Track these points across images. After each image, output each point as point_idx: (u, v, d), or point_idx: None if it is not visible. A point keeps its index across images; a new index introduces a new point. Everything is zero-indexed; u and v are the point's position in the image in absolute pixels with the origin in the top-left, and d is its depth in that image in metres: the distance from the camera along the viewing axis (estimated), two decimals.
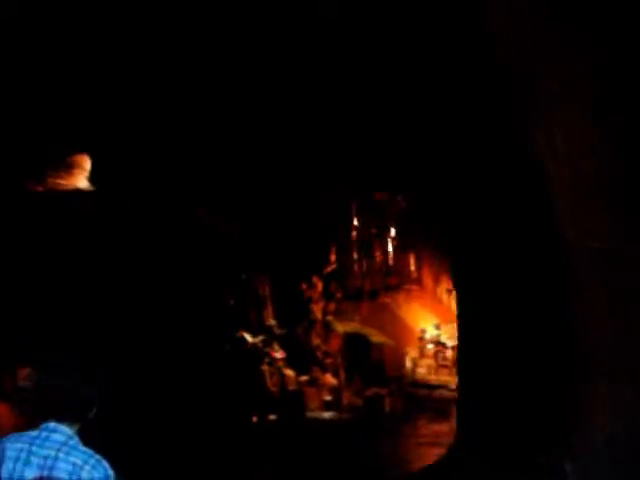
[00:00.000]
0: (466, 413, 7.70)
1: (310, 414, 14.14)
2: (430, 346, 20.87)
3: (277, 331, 16.89)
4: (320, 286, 20.15)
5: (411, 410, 16.22)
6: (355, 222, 19.74)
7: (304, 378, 15.94)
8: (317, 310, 20.19)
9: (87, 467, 2.21)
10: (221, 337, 13.76)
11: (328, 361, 19.23)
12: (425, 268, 22.05)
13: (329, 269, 20.21)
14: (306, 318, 19.76)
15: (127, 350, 10.80)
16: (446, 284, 22.46)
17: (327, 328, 20.25)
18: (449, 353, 20.45)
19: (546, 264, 5.77)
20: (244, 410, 12.32)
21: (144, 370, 11.24)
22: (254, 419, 12.51)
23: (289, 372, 15.63)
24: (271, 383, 14.58)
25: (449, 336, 21.35)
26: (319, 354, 19.39)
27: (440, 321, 22.06)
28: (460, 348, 8.60)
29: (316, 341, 19.72)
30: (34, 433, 2.27)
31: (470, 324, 7.55)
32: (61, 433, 2.28)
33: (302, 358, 17.36)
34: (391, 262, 20.33)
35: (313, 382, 16.20)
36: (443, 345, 20.73)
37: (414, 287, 21.64)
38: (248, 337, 15.19)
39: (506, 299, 6.40)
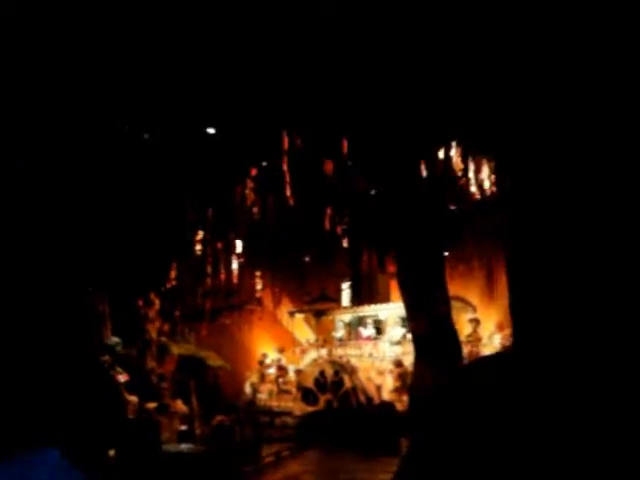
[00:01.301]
0: None
1: (165, 447, 12.34)
2: (271, 370, 19.92)
3: (120, 351, 15.03)
4: (157, 304, 18.54)
5: (260, 439, 15.03)
6: (199, 235, 18.29)
7: (152, 405, 14.19)
8: (152, 330, 18.55)
9: None
10: (59, 357, 11.73)
11: (164, 386, 17.64)
12: (266, 289, 21.10)
13: (168, 286, 18.61)
14: (141, 338, 18.04)
15: None
16: (287, 306, 21.75)
17: (162, 350, 18.62)
18: (291, 378, 19.66)
19: None
20: (100, 443, 10.42)
21: None
22: (111, 453, 10.63)
23: (132, 398, 13.82)
24: (126, 411, 12.73)
25: (290, 359, 20.63)
26: (153, 378, 17.74)
27: (280, 345, 21.26)
28: None
29: (151, 364, 18.04)
30: (26, 457, 2.00)
31: None
32: (53, 457, 2.04)
33: (142, 382, 15.61)
34: (235, 280, 19.10)
35: (163, 410, 14.48)
36: (285, 370, 19.88)
37: (255, 308, 20.58)
38: None
39: None
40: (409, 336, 18.82)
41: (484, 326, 18.76)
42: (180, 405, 15.44)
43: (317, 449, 14.21)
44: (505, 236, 11.32)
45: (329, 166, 12.68)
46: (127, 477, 10.50)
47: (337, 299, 21.43)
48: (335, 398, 17.78)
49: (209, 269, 19.04)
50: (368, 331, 19.96)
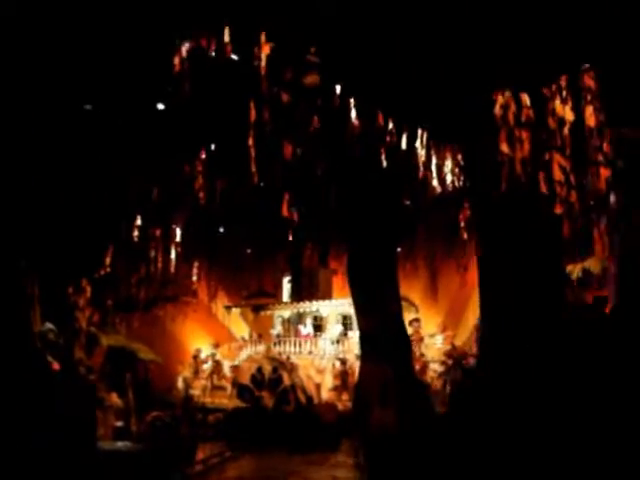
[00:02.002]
0: None
1: (101, 444, 11.27)
2: (206, 366, 19.15)
3: (52, 338, 13.94)
4: (89, 291, 17.47)
5: (197, 438, 14.22)
6: (138, 221, 17.34)
7: None
8: (82, 319, 17.47)
9: None
10: None
11: (93, 378, 16.62)
12: (202, 281, 20.29)
13: (102, 273, 17.59)
14: (69, 327, 16.96)
15: None
16: (223, 300, 21.05)
17: (91, 340, 17.59)
18: (226, 374, 18.97)
19: None
20: (33, 438, 9.43)
21: None
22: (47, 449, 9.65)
23: None
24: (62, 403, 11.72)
25: (225, 355, 19.95)
26: (81, 369, 16.69)
27: (215, 339, 20.54)
28: None
29: (79, 354, 16.97)
30: None
31: None
32: None
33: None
34: (173, 270, 18.20)
35: (97, 403, 13.48)
36: (220, 365, 19.15)
37: (190, 301, 19.76)
38: None
39: None
40: (350, 334, 18.51)
41: (426, 326, 18.62)
42: (115, 399, 14.50)
43: (257, 450, 13.65)
44: (479, 240, 11.04)
45: (288, 150, 12.12)
46: (61, 476, 9.55)
47: (276, 294, 20.89)
48: (273, 395, 17.18)
49: (145, 257, 18.15)
50: (308, 328, 19.50)
